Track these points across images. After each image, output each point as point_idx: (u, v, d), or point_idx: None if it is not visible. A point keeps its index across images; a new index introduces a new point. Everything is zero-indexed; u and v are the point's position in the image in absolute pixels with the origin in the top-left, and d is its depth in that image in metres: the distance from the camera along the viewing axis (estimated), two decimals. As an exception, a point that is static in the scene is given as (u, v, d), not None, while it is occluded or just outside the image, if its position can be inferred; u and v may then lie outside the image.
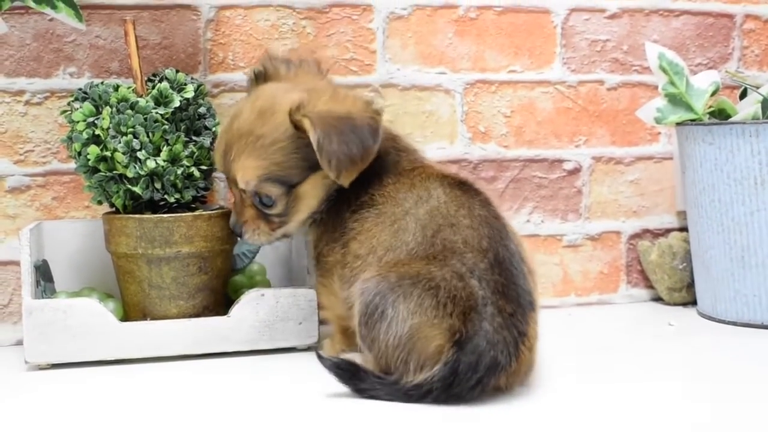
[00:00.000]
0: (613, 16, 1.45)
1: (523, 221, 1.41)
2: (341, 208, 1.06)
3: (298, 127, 1.03)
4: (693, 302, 1.40)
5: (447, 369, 0.90)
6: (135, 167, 1.10)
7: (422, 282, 0.93)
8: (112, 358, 1.11)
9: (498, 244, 0.97)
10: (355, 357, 1.04)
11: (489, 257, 0.95)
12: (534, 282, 0.99)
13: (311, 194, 1.07)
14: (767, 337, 1.21)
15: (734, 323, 1.28)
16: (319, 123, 1.01)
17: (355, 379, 0.95)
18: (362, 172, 1.04)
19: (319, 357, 0.96)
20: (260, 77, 1.12)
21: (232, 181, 1.08)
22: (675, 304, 1.43)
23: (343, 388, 0.95)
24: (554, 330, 1.24)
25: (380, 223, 1.02)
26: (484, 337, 0.91)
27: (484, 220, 0.99)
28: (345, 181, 1.03)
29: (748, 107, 1.31)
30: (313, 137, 1.01)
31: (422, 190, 1.02)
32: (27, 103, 1.24)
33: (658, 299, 1.46)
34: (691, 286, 1.40)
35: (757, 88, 1.33)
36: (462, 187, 1.03)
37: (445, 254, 0.95)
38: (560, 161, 1.43)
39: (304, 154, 1.03)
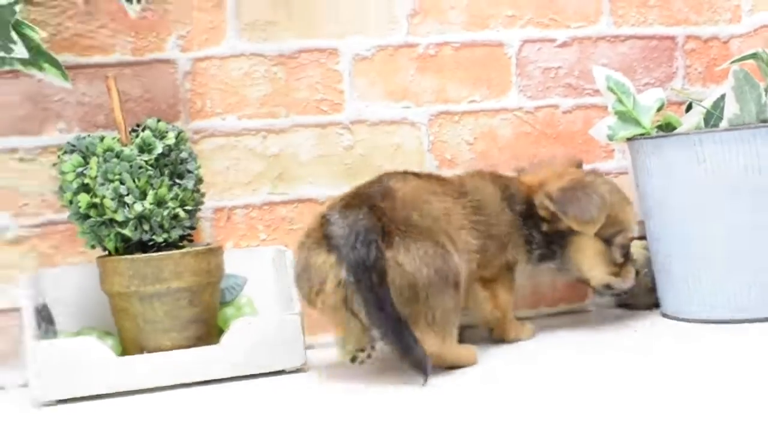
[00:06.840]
0: (563, 45, 1.55)
1: (492, 241, 1.49)
2: None
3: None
4: (656, 305, 1.48)
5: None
6: (124, 211, 1.19)
7: None
8: (113, 391, 1.18)
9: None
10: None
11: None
12: None
13: None
14: (724, 331, 1.29)
15: (696, 321, 1.36)
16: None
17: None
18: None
19: None
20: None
21: None
22: (639, 308, 1.51)
23: (334, 406, 1.02)
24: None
25: None
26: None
27: None
28: None
29: (692, 119, 1.41)
30: None
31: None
32: (21, 159, 1.33)
33: (623, 305, 1.54)
34: (653, 290, 1.48)
35: (701, 101, 1.43)
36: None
37: None
38: (524, 182, 1.52)
39: None
